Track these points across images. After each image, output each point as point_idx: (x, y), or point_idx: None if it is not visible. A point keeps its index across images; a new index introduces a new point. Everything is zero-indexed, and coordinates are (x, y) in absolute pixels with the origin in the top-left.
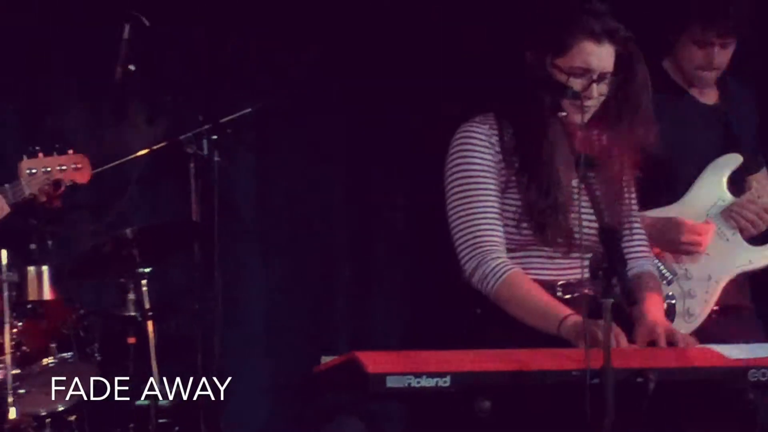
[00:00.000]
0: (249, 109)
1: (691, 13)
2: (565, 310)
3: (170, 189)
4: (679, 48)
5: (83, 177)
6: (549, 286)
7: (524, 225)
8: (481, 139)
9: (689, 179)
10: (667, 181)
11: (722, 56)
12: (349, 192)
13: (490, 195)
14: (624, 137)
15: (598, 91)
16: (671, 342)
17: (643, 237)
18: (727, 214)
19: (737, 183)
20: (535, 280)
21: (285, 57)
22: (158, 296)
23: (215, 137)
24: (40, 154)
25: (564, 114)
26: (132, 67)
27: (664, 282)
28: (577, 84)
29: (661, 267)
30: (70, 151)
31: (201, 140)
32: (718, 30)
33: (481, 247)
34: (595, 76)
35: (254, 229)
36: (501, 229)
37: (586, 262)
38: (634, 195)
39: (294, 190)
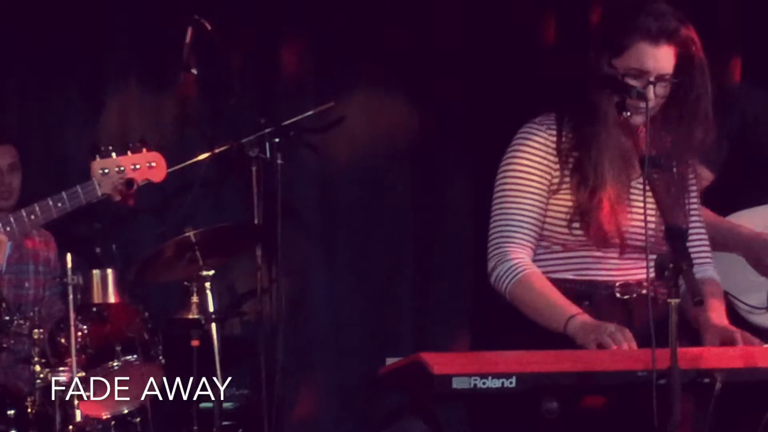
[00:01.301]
0: (311, 111)
1: None
2: (574, 310)
3: (233, 192)
4: None
5: (158, 175)
6: (606, 286)
7: (575, 225)
8: (535, 140)
9: None
10: None
11: None
12: (414, 194)
13: (529, 196)
14: (683, 140)
15: (656, 93)
16: (746, 342)
17: (705, 242)
18: None
19: None
20: (591, 281)
21: (348, 58)
22: (222, 299)
23: (278, 140)
24: (113, 154)
25: (628, 114)
26: (194, 71)
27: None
28: (633, 84)
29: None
30: (144, 150)
31: (263, 143)
32: None
33: (502, 246)
34: (652, 78)
35: (317, 231)
36: (533, 231)
37: (643, 264)
38: (695, 199)
39: (357, 193)
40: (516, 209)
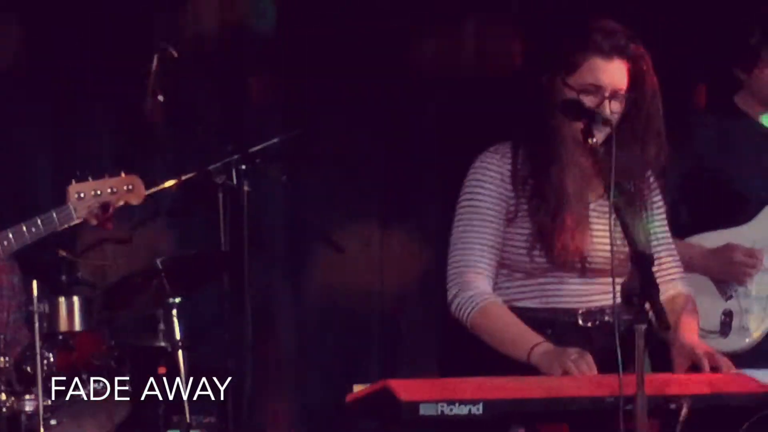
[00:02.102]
0: (277, 139)
1: (763, 42)
2: (536, 338)
3: (200, 219)
4: (754, 82)
5: (137, 198)
6: (568, 314)
7: (535, 252)
8: (491, 169)
9: (759, 201)
10: (736, 202)
11: None
12: (383, 220)
13: (486, 225)
14: (637, 157)
15: (612, 109)
16: (714, 365)
17: (675, 257)
18: None
19: None
20: (553, 309)
21: (314, 84)
22: (188, 327)
23: (245, 167)
24: (90, 178)
25: (594, 140)
26: (161, 98)
27: (724, 298)
28: (590, 102)
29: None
30: (122, 174)
31: (230, 170)
32: None
33: (461, 276)
34: (607, 93)
35: (285, 258)
36: (492, 259)
37: (606, 288)
38: (660, 213)
39: (325, 219)
40: (474, 238)
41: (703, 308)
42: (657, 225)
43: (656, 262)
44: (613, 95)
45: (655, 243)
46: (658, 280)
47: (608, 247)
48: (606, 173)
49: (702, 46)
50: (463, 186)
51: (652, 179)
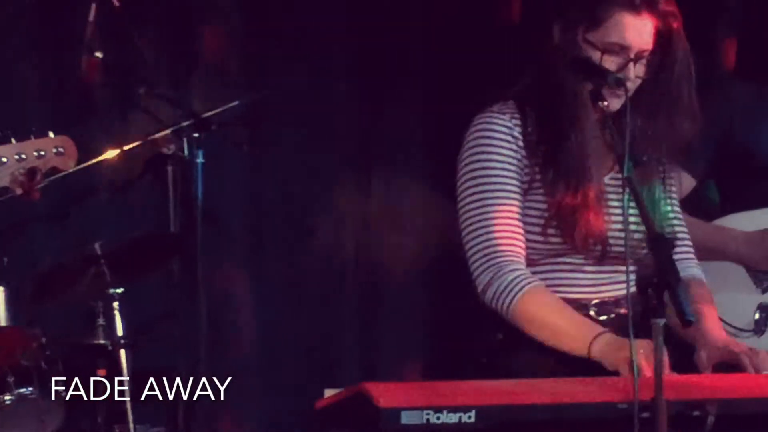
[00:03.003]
0: (237, 102)
1: None
2: (597, 329)
3: (145, 196)
4: None
5: (66, 163)
6: (580, 306)
7: (551, 230)
8: (501, 132)
9: None
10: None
11: None
12: (356, 198)
13: (510, 198)
14: (663, 132)
15: (636, 73)
16: (755, 366)
17: (688, 240)
18: None
19: None
20: (565, 299)
21: (278, 37)
22: (132, 321)
23: (197, 135)
24: (13, 139)
25: (605, 104)
26: (99, 55)
27: (759, 290)
28: (612, 63)
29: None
30: (51, 133)
31: (181, 139)
32: None
33: (495, 258)
34: (632, 54)
35: (244, 241)
36: (521, 237)
37: (623, 276)
38: (675, 194)
39: (292, 197)
40: (497, 214)
41: (735, 302)
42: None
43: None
44: (639, 57)
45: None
46: None
47: (615, 230)
48: (619, 144)
49: None
50: (467, 152)
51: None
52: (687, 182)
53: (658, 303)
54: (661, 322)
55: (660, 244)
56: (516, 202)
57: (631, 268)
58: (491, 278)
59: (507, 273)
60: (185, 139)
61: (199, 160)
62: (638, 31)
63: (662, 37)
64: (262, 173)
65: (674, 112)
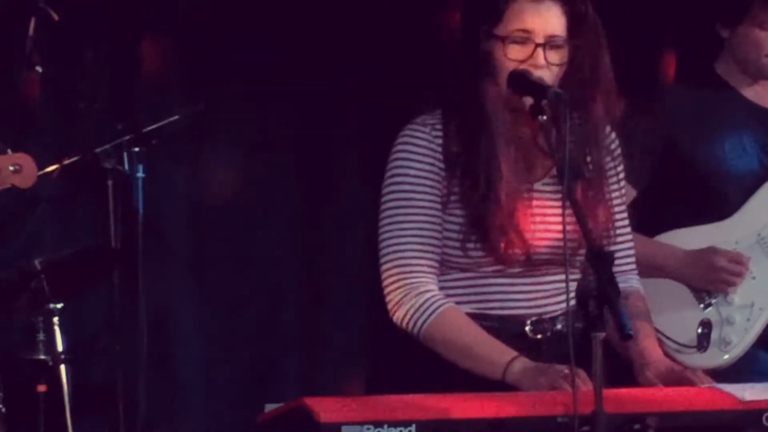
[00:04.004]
0: (177, 116)
1: None
2: (511, 353)
3: (85, 210)
4: (737, 42)
5: (25, 180)
6: (516, 323)
7: (470, 244)
8: (420, 145)
9: (743, 190)
10: (716, 191)
11: None
12: (299, 213)
13: (425, 213)
14: (588, 118)
15: (548, 59)
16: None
17: (629, 247)
18: None
19: None
20: (499, 316)
21: (220, 50)
22: (73, 336)
23: (138, 149)
24: None
25: (544, 118)
26: (39, 69)
27: (701, 306)
28: (517, 52)
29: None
30: (9, 150)
31: (121, 153)
32: None
33: (407, 277)
34: (539, 40)
35: (185, 255)
36: (435, 255)
37: (559, 290)
38: (618, 194)
39: (233, 211)
40: (410, 230)
41: (678, 318)
42: (615, 206)
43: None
44: (549, 42)
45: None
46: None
47: (556, 236)
48: (555, 150)
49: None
50: (388, 166)
51: (615, 146)
52: (627, 192)
53: (597, 317)
54: (601, 336)
55: (600, 258)
56: (432, 218)
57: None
58: (402, 298)
59: (419, 294)
60: (126, 153)
61: (140, 174)
62: (541, 15)
63: (573, 20)
64: (202, 187)
65: (593, 98)
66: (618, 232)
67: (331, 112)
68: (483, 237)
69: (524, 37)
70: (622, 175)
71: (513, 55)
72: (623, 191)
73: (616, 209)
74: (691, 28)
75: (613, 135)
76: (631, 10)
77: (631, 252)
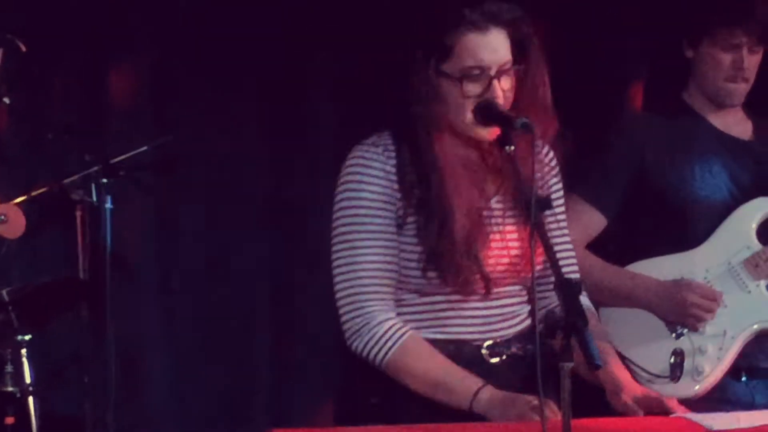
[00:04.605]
0: (146, 147)
1: (716, 13)
2: (477, 382)
3: (54, 242)
4: (700, 62)
5: (12, 231)
6: (473, 346)
7: (430, 273)
8: (373, 167)
9: (713, 218)
10: (685, 220)
11: (751, 63)
12: (269, 242)
13: (380, 238)
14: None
15: (503, 87)
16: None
17: (575, 263)
18: (752, 263)
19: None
20: (455, 340)
21: (191, 84)
22: (41, 368)
23: (106, 180)
24: None
25: (512, 148)
26: (7, 100)
27: (673, 335)
28: (475, 87)
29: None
30: None
31: (89, 184)
32: (746, 27)
33: (364, 306)
34: (493, 72)
35: (153, 287)
36: (392, 281)
37: (512, 313)
38: (558, 201)
39: (202, 241)
40: (367, 255)
41: (649, 348)
42: (555, 215)
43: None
44: (501, 72)
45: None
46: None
47: (515, 253)
48: (512, 177)
49: (643, 34)
50: (338, 189)
51: (550, 158)
52: (597, 220)
53: (565, 345)
54: (569, 365)
55: (567, 288)
56: (387, 243)
57: (523, 303)
58: (360, 328)
59: (378, 324)
60: (94, 185)
61: (108, 205)
62: (491, 47)
63: (517, 44)
64: (171, 218)
65: (536, 113)
66: (564, 247)
67: (303, 144)
68: (440, 268)
69: (478, 73)
70: (560, 187)
71: (470, 92)
72: (563, 203)
73: (561, 224)
74: (659, 57)
75: (547, 149)
76: (599, 39)
77: (576, 267)
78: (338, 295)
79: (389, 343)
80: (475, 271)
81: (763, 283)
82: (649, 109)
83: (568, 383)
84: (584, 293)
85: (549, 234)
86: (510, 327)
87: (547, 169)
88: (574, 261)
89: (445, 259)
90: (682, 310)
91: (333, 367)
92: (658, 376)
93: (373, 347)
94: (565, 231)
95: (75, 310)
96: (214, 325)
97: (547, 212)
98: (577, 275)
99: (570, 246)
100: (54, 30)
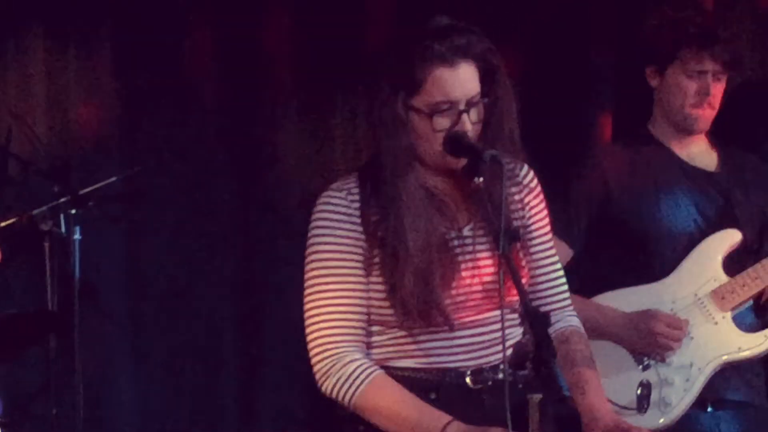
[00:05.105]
0: (114, 178)
1: (683, 39)
2: (444, 418)
3: (22, 273)
4: (665, 89)
5: None
6: (456, 374)
7: (397, 310)
8: (337, 211)
9: (679, 250)
10: (651, 251)
11: (717, 90)
12: (235, 275)
13: (348, 279)
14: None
15: (472, 120)
16: None
17: (562, 283)
18: (719, 295)
19: (734, 263)
20: (438, 369)
21: (160, 114)
22: (9, 400)
23: (75, 211)
24: None
25: (480, 180)
26: None
27: (640, 367)
28: (445, 121)
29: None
30: None
31: (58, 215)
32: (713, 54)
33: (333, 347)
34: (462, 106)
35: (122, 318)
36: (360, 322)
37: (492, 336)
38: (543, 230)
39: (170, 273)
40: (335, 298)
41: (616, 379)
42: (537, 238)
43: (541, 288)
44: (470, 105)
45: (537, 262)
46: (542, 309)
47: (490, 280)
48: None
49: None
50: (309, 234)
51: (530, 179)
52: (563, 252)
53: (534, 377)
54: (537, 397)
55: (536, 319)
56: (354, 284)
57: (512, 327)
58: (329, 368)
59: (347, 364)
60: (62, 216)
61: (77, 236)
62: (460, 82)
63: (485, 76)
64: (140, 249)
65: (504, 144)
66: (549, 269)
67: (271, 175)
68: (404, 308)
69: (447, 107)
70: (543, 207)
71: (440, 126)
72: (547, 223)
73: (545, 246)
74: (625, 88)
75: (527, 170)
76: (567, 70)
77: (565, 288)
78: (309, 338)
79: (357, 382)
80: (432, 306)
81: (729, 314)
82: (615, 139)
83: (537, 415)
84: (575, 314)
85: (531, 257)
86: (496, 354)
87: (526, 192)
88: (562, 281)
89: (398, 294)
90: (648, 341)
91: (298, 404)
92: (625, 408)
93: (341, 387)
94: (551, 252)
95: (43, 341)
96: (182, 356)
97: (532, 234)
98: (567, 294)
99: (558, 266)
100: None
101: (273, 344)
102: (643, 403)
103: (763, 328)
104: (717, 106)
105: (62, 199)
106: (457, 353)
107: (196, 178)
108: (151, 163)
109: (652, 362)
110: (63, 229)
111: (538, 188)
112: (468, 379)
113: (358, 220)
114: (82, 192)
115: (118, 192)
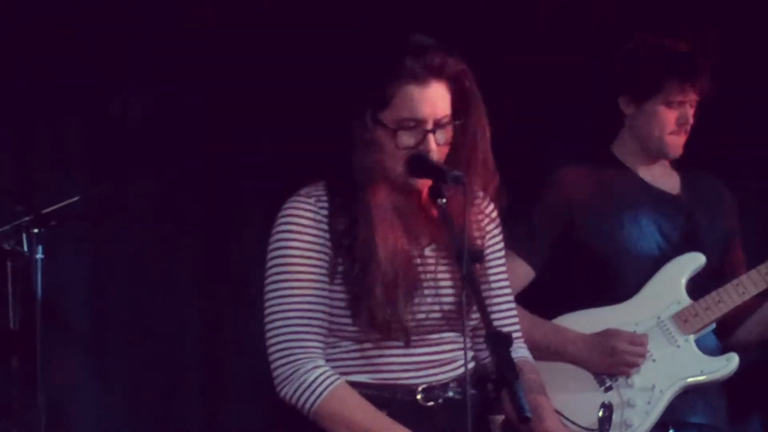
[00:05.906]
0: (78, 197)
1: (669, 71)
2: (404, 429)
3: None
4: (642, 118)
5: None
6: (408, 391)
7: (357, 320)
8: (304, 217)
9: (642, 272)
10: (614, 273)
11: (692, 116)
12: (200, 295)
13: (310, 286)
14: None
15: (437, 141)
16: None
17: (515, 315)
18: (682, 318)
19: (697, 286)
20: (390, 385)
21: (124, 135)
22: None
23: (37, 231)
24: None
25: (443, 201)
26: None
27: (602, 388)
28: (409, 138)
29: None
30: None
31: (20, 234)
32: (695, 85)
33: (294, 353)
34: (429, 126)
35: (85, 337)
36: (321, 329)
37: (450, 357)
38: (498, 258)
39: (133, 293)
40: (297, 303)
41: (578, 401)
42: (494, 267)
43: (497, 315)
44: (437, 125)
45: (493, 291)
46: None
47: (449, 301)
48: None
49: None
50: (272, 238)
51: (491, 209)
52: (525, 273)
53: (496, 399)
54: (500, 418)
55: (498, 340)
56: (317, 291)
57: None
58: (291, 375)
59: (309, 371)
60: (25, 235)
61: (39, 255)
62: (429, 101)
63: (457, 98)
64: (102, 269)
65: (470, 172)
66: (503, 299)
67: (246, 192)
68: (363, 319)
69: (414, 125)
70: (501, 239)
71: (404, 144)
72: (503, 255)
73: (501, 276)
74: (588, 109)
75: (488, 201)
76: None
77: (516, 320)
78: (268, 343)
79: (318, 390)
80: (394, 320)
81: (692, 337)
82: (578, 161)
83: None
84: (525, 346)
85: (488, 285)
86: (448, 371)
87: (486, 220)
88: (513, 313)
89: (362, 305)
90: (611, 359)
91: (260, 425)
92: (587, 429)
93: (302, 394)
94: (505, 282)
95: (5, 360)
96: (144, 377)
97: (488, 263)
98: (517, 326)
99: (510, 297)
100: None
101: (239, 368)
102: (605, 425)
103: (725, 351)
104: (689, 130)
105: (25, 219)
106: (409, 370)
107: (160, 198)
108: (116, 181)
109: (614, 384)
110: (26, 248)
111: (498, 220)
112: (419, 396)
113: (326, 227)
114: (44, 211)
115: (81, 211)
